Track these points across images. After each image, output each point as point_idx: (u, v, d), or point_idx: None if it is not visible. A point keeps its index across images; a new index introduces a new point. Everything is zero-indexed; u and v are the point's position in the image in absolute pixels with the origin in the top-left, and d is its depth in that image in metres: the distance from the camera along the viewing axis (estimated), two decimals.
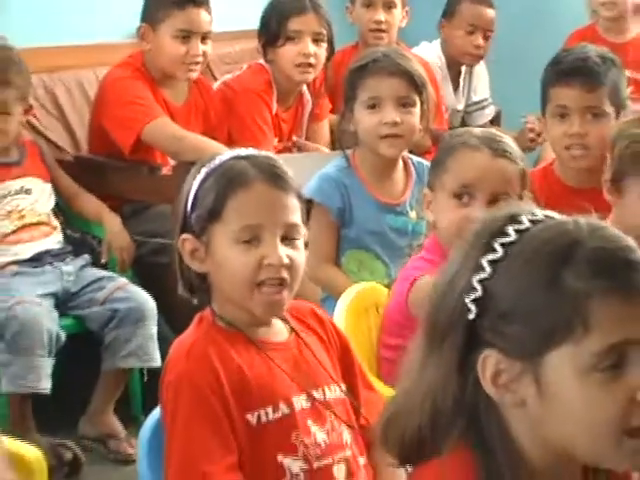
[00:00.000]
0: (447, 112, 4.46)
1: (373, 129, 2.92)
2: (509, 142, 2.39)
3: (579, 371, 1.20)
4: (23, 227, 3.38)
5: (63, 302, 3.31)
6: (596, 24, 4.69)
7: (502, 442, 1.25)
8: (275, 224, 1.80)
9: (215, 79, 4.21)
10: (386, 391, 1.97)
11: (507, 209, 1.30)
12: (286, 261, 1.79)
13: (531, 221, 1.26)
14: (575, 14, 4.82)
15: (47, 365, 3.11)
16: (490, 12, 4.54)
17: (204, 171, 1.84)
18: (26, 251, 3.35)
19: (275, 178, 1.82)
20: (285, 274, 1.80)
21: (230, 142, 3.64)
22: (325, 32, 3.84)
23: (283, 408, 1.78)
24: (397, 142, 2.93)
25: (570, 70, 2.89)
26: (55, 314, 3.22)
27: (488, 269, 1.25)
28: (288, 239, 1.81)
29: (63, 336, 3.17)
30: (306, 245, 1.89)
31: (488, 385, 1.24)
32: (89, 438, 3.30)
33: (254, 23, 3.97)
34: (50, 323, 3.14)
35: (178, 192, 1.87)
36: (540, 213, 1.28)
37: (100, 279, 3.36)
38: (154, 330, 3.26)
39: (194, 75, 3.73)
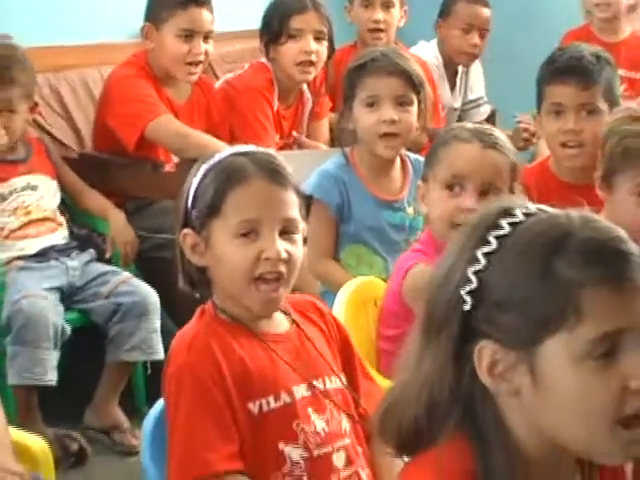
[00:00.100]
0: (444, 110, 4.46)
1: (371, 127, 2.93)
2: (500, 135, 2.42)
3: (573, 359, 1.20)
4: (29, 223, 3.38)
5: (68, 296, 3.31)
6: (590, 24, 4.68)
7: (497, 432, 1.25)
8: (273, 219, 1.80)
9: (217, 78, 4.22)
10: (385, 383, 1.96)
11: (501, 203, 1.30)
12: (284, 255, 1.79)
13: (524, 214, 1.27)
14: (569, 14, 4.82)
15: (53, 358, 3.11)
16: (485, 11, 4.54)
17: (204, 168, 1.84)
18: (32, 246, 3.35)
19: (273, 174, 1.82)
20: (283, 268, 1.80)
21: (232, 139, 3.65)
22: (326, 30, 3.85)
23: (284, 397, 1.79)
24: (395, 140, 2.93)
25: (566, 68, 2.90)
26: (60, 308, 3.22)
27: (483, 261, 1.25)
28: (286, 234, 1.82)
29: (68, 329, 3.18)
30: (305, 240, 1.89)
31: (484, 375, 1.25)
32: (94, 429, 3.30)
33: (255, 23, 3.98)
34: (55, 317, 3.15)
35: (180, 189, 1.88)
36: (533, 207, 1.28)
37: (104, 273, 3.36)
38: (157, 324, 3.27)
39: (193, 78, 3.73)
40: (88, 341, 3.30)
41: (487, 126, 2.50)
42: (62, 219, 3.49)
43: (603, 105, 2.87)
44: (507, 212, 1.27)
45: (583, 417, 1.22)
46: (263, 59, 3.91)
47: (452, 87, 4.66)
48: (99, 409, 3.32)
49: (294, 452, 1.77)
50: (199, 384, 1.73)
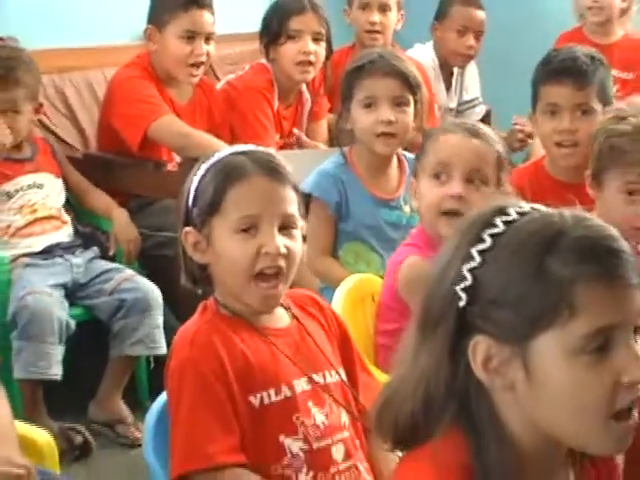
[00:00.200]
0: (440, 111, 4.46)
1: (369, 127, 2.93)
2: (486, 129, 2.44)
3: (567, 354, 1.21)
4: (35, 221, 3.38)
5: (72, 292, 3.31)
6: (583, 27, 4.68)
7: (492, 426, 1.25)
8: (272, 214, 1.80)
9: (218, 79, 4.22)
10: (383, 377, 1.96)
11: (496, 202, 1.31)
12: (283, 250, 1.80)
13: (518, 213, 1.27)
14: (561, 17, 4.82)
15: (57, 352, 3.11)
16: (480, 14, 4.55)
17: (204, 167, 1.85)
18: (37, 244, 3.35)
19: (272, 171, 1.82)
20: (282, 263, 1.80)
21: (233, 139, 3.65)
22: (324, 32, 3.86)
23: (285, 391, 1.79)
24: (392, 140, 2.94)
25: (561, 69, 2.90)
26: (65, 304, 3.22)
27: (478, 258, 1.25)
28: (285, 229, 1.82)
29: (73, 325, 3.18)
30: (304, 238, 1.89)
31: (479, 370, 1.25)
32: (98, 422, 3.30)
33: (254, 26, 3.99)
34: (60, 312, 3.15)
35: (182, 188, 1.88)
36: (527, 206, 1.29)
37: (108, 271, 3.36)
38: (160, 319, 3.27)
39: (194, 80, 3.73)
40: (92, 336, 3.30)
41: (474, 123, 2.52)
42: (67, 217, 3.48)
43: (597, 105, 2.87)
44: (501, 211, 1.27)
45: (576, 411, 1.22)
46: (263, 60, 3.92)
47: (448, 88, 4.67)
48: (103, 403, 3.32)
49: (294, 444, 1.77)
50: (201, 379, 1.73)
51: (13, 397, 2.50)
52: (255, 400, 1.76)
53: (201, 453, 1.71)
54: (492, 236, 1.25)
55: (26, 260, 3.29)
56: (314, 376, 1.84)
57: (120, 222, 3.52)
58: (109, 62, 4.01)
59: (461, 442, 1.24)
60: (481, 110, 4.85)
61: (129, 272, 3.36)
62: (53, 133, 3.86)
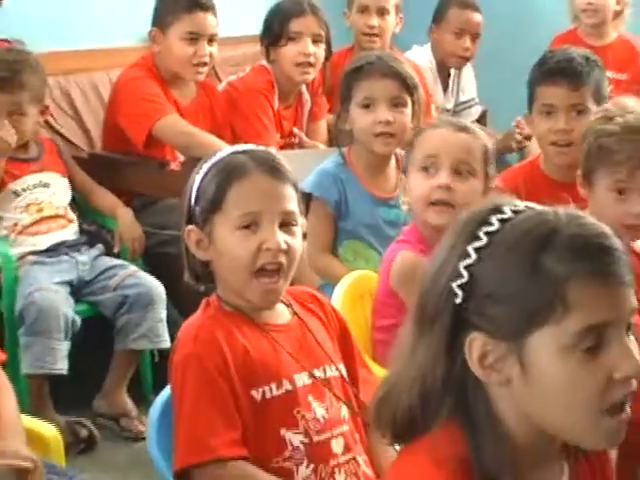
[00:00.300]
0: (437, 111, 4.46)
1: (368, 128, 2.93)
2: (473, 125, 2.48)
3: (561, 350, 1.20)
4: (41, 219, 3.38)
5: (78, 289, 3.31)
6: (578, 29, 4.68)
7: (489, 421, 1.25)
8: (273, 211, 1.80)
9: (220, 80, 4.22)
10: (381, 372, 1.97)
11: (492, 201, 1.30)
12: (284, 246, 1.80)
13: (513, 211, 1.27)
14: (556, 19, 4.81)
15: (63, 348, 3.11)
16: (477, 16, 4.55)
17: (205, 167, 1.85)
18: (43, 242, 3.35)
19: (272, 169, 1.82)
20: (283, 259, 1.80)
21: (235, 139, 3.65)
22: (323, 34, 3.86)
23: (286, 385, 1.79)
24: (390, 140, 2.94)
25: (557, 70, 2.90)
26: (71, 300, 3.22)
27: (473, 256, 1.25)
28: (286, 226, 1.82)
29: (78, 321, 3.18)
30: (304, 235, 1.89)
31: (475, 366, 1.25)
32: (103, 416, 3.30)
33: (255, 29, 3.99)
34: (66, 309, 3.15)
35: (184, 187, 1.88)
36: (522, 204, 1.29)
37: (112, 267, 3.37)
38: (163, 313, 3.27)
39: (201, 77, 3.75)
40: (97, 332, 3.30)
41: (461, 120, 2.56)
42: (73, 216, 3.48)
43: (592, 105, 2.87)
44: (497, 209, 1.27)
45: (570, 406, 1.22)
46: (264, 62, 3.92)
47: (445, 89, 4.67)
48: (108, 396, 3.32)
49: (295, 438, 1.77)
50: (205, 374, 1.73)
51: (20, 392, 2.50)
52: (257, 394, 1.76)
53: (204, 446, 1.71)
54: (488, 234, 1.25)
55: (33, 258, 3.29)
56: (315, 371, 1.84)
57: (125, 220, 3.52)
58: (114, 64, 4.01)
59: (458, 436, 1.24)
60: (477, 111, 4.85)
61: (132, 268, 3.37)
62: (59, 133, 3.86)
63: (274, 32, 3.85)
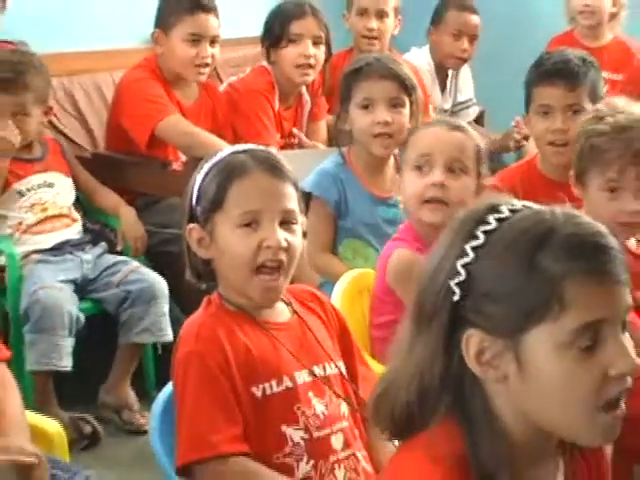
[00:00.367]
0: (435, 112, 4.46)
1: (367, 128, 2.93)
2: (466, 124, 2.48)
3: (557, 347, 1.20)
4: (45, 219, 3.38)
5: (82, 287, 3.31)
6: (574, 30, 4.69)
7: (486, 417, 1.25)
8: (273, 210, 1.80)
9: (221, 81, 4.22)
10: (380, 368, 1.97)
11: (489, 200, 1.30)
12: (284, 244, 1.80)
13: (510, 210, 1.27)
14: (553, 21, 4.81)
15: (68, 345, 3.11)
16: (475, 19, 4.56)
17: (206, 166, 1.85)
18: (48, 241, 3.34)
19: (272, 168, 1.82)
20: (283, 256, 1.80)
21: (236, 139, 3.65)
22: (323, 36, 3.87)
23: (287, 382, 1.79)
24: (388, 142, 2.93)
25: (554, 71, 2.91)
26: (75, 298, 3.22)
27: (471, 254, 1.25)
28: (286, 224, 1.82)
29: (82, 319, 3.18)
30: (304, 234, 1.89)
31: (472, 362, 1.24)
32: (107, 407, 3.30)
33: (256, 30, 3.99)
34: (70, 306, 3.15)
35: (186, 187, 1.88)
36: (519, 203, 1.29)
37: (115, 264, 3.37)
38: (166, 308, 3.27)
39: (203, 78, 3.75)
40: (101, 329, 3.30)
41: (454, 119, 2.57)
42: (77, 215, 3.48)
43: (588, 105, 2.87)
44: (494, 208, 1.27)
45: (566, 403, 1.22)
46: (264, 63, 3.92)
47: (442, 90, 4.67)
48: (112, 389, 3.32)
49: (295, 434, 1.77)
50: (206, 371, 1.73)
51: (24, 388, 2.50)
52: (258, 391, 1.76)
53: (205, 442, 1.71)
54: (485, 233, 1.25)
55: (37, 256, 3.29)
56: (315, 368, 1.84)
57: (127, 220, 3.52)
58: (117, 65, 4.02)
59: (455, 432, 1.24)
60: (475, 111, 4.86)
61: (135, 264, 3.37)
62: (62, 134, 3.86)
63: (275, 34, 3.85)
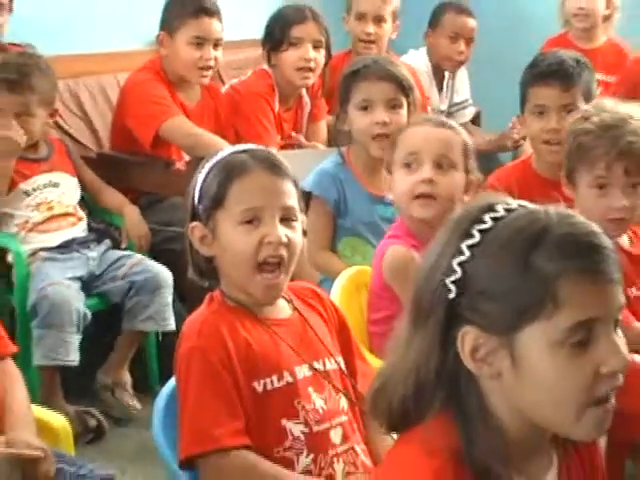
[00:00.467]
0: (432, 112, 4.45)
1: (365, 128, 2.93)
2: (454, 122, 2.47)
3: (551, 345, 1.20)
4: (51, 217, 3.38)
5: (88, 284, 3.31)
6: (568, 32, 4.68)
7: (480, 413, 1.25)
8: (274, 207, 1.80)
9: (223, 83, 4.22)
10: (378, 363, 1.96)
11: (485, 199, 1.30)
12: (284, 240, 1.80)
13: (506, 210, 1.27)
14: (547, 23, 4.80)
15: (75, 340, 3.11)
16: (471, 22, 4.56)
17: (208, 166, 1.85)
18: (54, 239, 3.34)
19: (272, 166, 1.83)
20: (284, 252, 1.80)
21: (238, 140, 3.65)
22: (324, 39, 3.87)
23: (287, 377, 1.79)
24: (387, 141, 2.92)
25: (549, 72, 2.91)
26: (82, 295, 3.22)
27: (467, 253, 1.25)
28: (286, 221, 1.82)
29: (89, 315, 3.18)
30: (304, 232, 1.89)
31: (467, 359, 1.24)
32: (105, 388, 3.30)
33: (257, 33, 4.00)
34: (77, 303, 3.15)
35: (188, 186, 1.88)
36: (514, 203, 1.28)
37: (120, 258, 3.37)
38: (169, 298, 3.27)
39: (206, 80, 3.76)
40: (106, 325, 3.30)
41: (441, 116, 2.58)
42: (82, 213, 3.48)
43: (582, 105, 2.87)
44: (490, 208, 1.27)
45: (559, 399, 1.22)
46: (265, 66, 3.92)
47: (439, 91, 4.67)
48: (109, 368, 3.33)
49: (295, 428, 1.77)
50: (209, 367, 1.73)
51: (31, 383, 2.50)
52: (259, 386, 1.76)
53: (208, 436, 1.70)
54: (481, 232, 1.25)
55: (44, 254, 3.29)
56: (314, 363, 1.84)
57: (132, 218, 3.53)
58: (122, 67, 4.02)
59: (450, 427, 1.24)
60: (471, 112, 4.86)
61: (139, 257, 3.38)
62: (68, 134, 3.87)
63: (276, 37, 3.85)
